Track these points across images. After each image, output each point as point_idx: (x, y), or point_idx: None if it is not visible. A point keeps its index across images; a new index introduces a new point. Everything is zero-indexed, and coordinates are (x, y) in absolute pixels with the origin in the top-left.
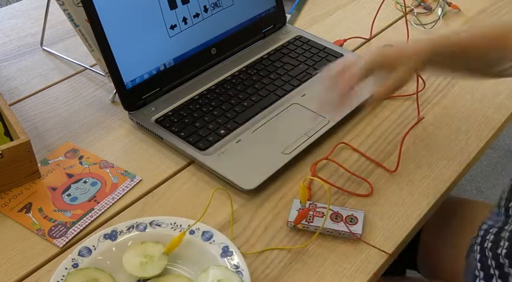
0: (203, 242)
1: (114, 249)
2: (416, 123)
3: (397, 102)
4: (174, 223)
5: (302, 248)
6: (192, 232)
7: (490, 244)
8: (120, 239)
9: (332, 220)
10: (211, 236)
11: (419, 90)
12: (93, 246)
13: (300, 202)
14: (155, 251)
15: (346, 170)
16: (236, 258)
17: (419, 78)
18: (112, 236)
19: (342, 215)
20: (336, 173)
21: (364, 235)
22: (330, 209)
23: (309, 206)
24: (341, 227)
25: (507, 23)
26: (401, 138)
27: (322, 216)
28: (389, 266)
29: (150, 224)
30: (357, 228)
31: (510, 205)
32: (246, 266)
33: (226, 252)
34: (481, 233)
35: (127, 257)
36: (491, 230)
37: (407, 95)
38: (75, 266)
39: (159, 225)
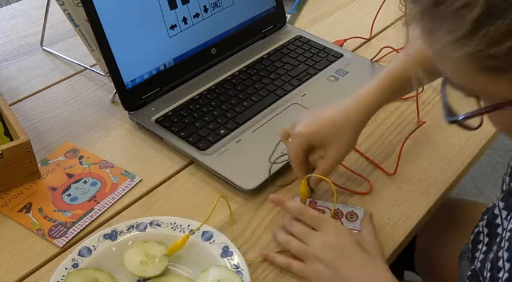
0: (203, 242)
1: (114, 249)
2: (416, 129)
3: (397, 103)
4: (174, 223)
5: None
6: (190, 231)
7: (479, 264)
8: (120, 239)
9: (332, 217)
10: (211, 236)
11: (418, 93)
12: (93, 246)
13: (300, 200)
14: (157, 252)
15: (347, 168)
16: (236, 258)
17: None
18: (112, 236)
19: (342, 212)
20: (335, 172)
21: None
22: (330, 207)
23: (310, 204)
24: (342, 223)
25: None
26: (400, 139)
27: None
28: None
29: (150, 224)
30: (356, 225)
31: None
32: (246, 266)
33: (226, 252)
34: (470, 246)
35: (128, 255)
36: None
37: (407, 98)
38: (75, 266)
39: (159, 225)
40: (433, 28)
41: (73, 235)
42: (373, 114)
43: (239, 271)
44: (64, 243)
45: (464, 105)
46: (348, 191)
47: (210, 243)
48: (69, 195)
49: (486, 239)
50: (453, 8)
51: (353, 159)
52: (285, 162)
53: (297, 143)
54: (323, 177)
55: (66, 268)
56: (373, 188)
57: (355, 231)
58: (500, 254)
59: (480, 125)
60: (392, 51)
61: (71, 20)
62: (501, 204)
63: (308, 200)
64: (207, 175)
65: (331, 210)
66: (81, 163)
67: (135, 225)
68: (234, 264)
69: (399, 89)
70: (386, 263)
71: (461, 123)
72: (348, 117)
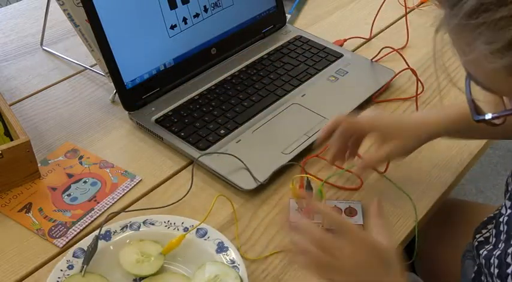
0: (198, 239)
1: (109, 249)
2: None
3: (397, 103)
4: (168, 221)
5: None
6: (186, 229)
7: (483, 260)
8: (114, 239)
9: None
10: (206, 233)
11: (418, 93)
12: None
13: (296, 202)
14: (152, 250)
15: (338, 167)
16: (232, 254)
17: (418, 81)
18: (106, 236)
19: (340, 208)
20: (329, 171)
21: (366, 228)
22: (330, 205)
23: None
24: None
25: None
26: None
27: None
28: None
29: (144, 223)
30: (357, 219)
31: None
32: (242, 261)
33: (221, 248)
34: (475, 243)
35: (124, 254)
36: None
37: (407, 98)
38: (71, 267)
39: (153, 224)
40: (469, 39)
41: (73, 235)
42: (433, 138)
43: (235, 266)
44: (64, 243)
45: (488, 103)
46: (342, 189)
47: (205, 240)
48: (69, 195)
49: (492, 237)
50: (492, 19)
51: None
52: (285, 162)
53: (355, 122)
54: (310, 174)
55: (61, 270)
56: (363, 184)
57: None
58: (509, 250)
59: (504, 122)
60: (392, 51)
61: (71, 20)
62: (507, 203)
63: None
64: (207, 175)
65: (330, 207)
66: (81, 163)
67: (128, 225)
68: (230, 260)
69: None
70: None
71: (487, 121)
72: (417, 126)
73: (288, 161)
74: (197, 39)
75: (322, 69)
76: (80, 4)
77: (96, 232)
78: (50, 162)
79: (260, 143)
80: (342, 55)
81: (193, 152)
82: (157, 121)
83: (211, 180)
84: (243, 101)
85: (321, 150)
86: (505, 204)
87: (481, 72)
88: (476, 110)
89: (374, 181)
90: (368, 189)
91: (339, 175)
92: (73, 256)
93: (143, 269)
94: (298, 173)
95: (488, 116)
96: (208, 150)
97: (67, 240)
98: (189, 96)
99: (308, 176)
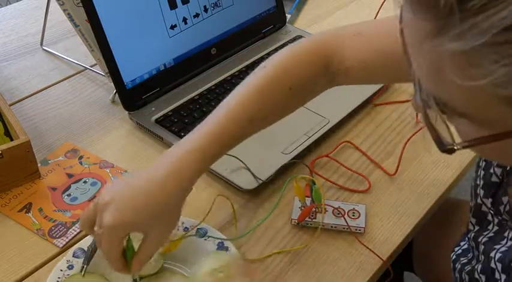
0: (198, 239)
1: None
2: (417, 131)
3: (395, 104)
4: None
5: (303, 248)
6: (186, 229)
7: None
8: None
9: (335, 215)
10: (206, 233)
11: None
12: (88, 247)
13: (299, 200)
14: None
15: (347, 167)
16: (232, 253)
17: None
18: None
19: (344, 210)
20: (336, 172)
21: (366, 229)
22: (331, 205)
23: (310, 203)
24: (344, 221)
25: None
26: (399, 140)
27: (325, 212)
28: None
29: None
30: (359, 222)
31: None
32: (242, 261)
33: (221, 247)
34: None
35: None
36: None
37: (404, 101)
38: (71, 267)
39: None
40: (484, 61)
41: (73, 235)
42: (198, 177)
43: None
44: (64, 243)
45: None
46: (348, 190)
47: (205, 239)
48: (69, 195)
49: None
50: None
51: (354, 159)
52: (287, 161)
53: (112, 238)
54: (310, 176)
55: (61, 270)
56: (371, 186)
57: (360, 229)
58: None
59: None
60: None
61: (71, 20)
62: (473, 220)
63: (308, 199)
64: (207, 175)
65: (333, 207)
66: (81, 163)
67: None
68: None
69: (232, 141)
70: (386, 264)
71: (452, 150)
72: (167, 195)
73: (291, 159)
74: (197, 39)
75: None
76: (80, 4)
77: None
78: (50, 162)
79: (260, 143)
80: None
81: None
82: (157, 121)
83: (211, 180)
84: None
85: (331, 150)
86: (470, 221)
87: (468, 96)
88: (441, 139)
89: (384, 183)
90: (376, 191)
91: (346, 176)
92: (73, 256)
93: (143, 269)
94: (299, 172)
95: (462, 144)
96: None
97: (67, 240)
98: (189, 96)
99: (313, 173)
